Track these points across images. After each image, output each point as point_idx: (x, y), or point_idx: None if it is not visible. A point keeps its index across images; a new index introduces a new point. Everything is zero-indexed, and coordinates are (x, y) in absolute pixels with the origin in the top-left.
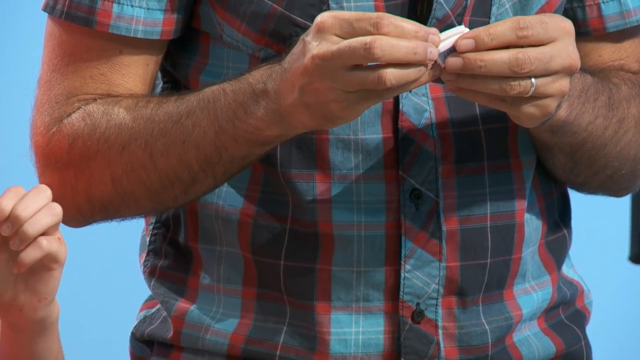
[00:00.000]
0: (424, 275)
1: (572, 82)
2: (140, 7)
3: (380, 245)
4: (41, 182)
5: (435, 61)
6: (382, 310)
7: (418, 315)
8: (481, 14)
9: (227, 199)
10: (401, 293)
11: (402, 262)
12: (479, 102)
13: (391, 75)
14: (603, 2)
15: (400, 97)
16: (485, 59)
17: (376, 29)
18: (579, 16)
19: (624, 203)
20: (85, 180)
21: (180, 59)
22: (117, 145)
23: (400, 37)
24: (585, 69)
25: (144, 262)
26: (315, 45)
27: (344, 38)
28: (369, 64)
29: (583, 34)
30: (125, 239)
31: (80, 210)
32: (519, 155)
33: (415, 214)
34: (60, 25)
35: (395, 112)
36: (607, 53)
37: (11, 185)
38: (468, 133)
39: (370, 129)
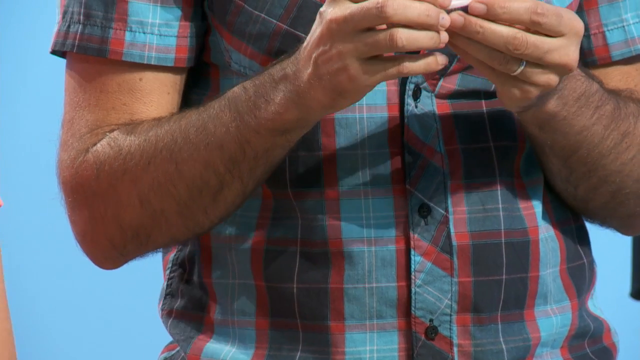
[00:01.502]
0: (435, 290)
1: (573, 83)
2: (152, 34)
3: (391, 260)
4: (71, 220)
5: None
6: (395, 328)
7: (431, 331)
8: None
9: (240, 229)
10: (413, 308)
11: (413, 277)
12: (469, 62)
13: (402, 34)
14: (608, 30)
15: (405, 112)
16: (485, 26)
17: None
18: (585, 45)
19: (626, 238)
20: (113, 206)
21: (192, 95)
22: (142, 161)
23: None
24: (594, 78)
25: (162, 306)
26: (330, 11)
27: (357, 2)
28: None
29: (590, 63)
30: (145, 287)
31: (113, 242)
32: (526, 173)
33: (424, 228)
34: (76, 62)
35: (402, 126)
36: (615, 81)
37: (11, 185)
38: (477, 150)
39: (376, 143)
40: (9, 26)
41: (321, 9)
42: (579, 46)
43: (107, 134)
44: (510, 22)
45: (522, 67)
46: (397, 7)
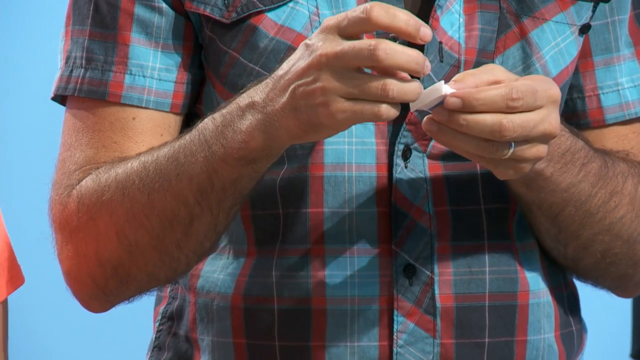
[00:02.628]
0: (417, 351)
1: (557, 139)
2: (152, 78)
3: (374, 319)
4: (59, 259)
5: (424, 111)
6: None
7: None
8: None
9: (222, 286)
10: None
11: (395, 337)
12: (458, 152)
13: (394, 86)
14: (603, 94)
15: (394, 172)
16: (468, 118)
17: (366, 13)
18: (579, 107)
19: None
20: (93, 240)
21: None
22: (118, 192)
23: (391, 22)
24: (579, 135)
25: (149, 358)
26: (320, 45)
27: (344, 36)
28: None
29: (583, 125)
30: (135, 337)
31: (95, 279)
32: (518, 237)
33: (409, 289)
34: (74, 104)
35: (390, 186)
36: (610, 144)
37: (11, 185)
38: (467, 212)
39: (364, 202)
40: (9, 26)
41: (307, 41)
42: (558, 111)
43: (94, 170)
44: (488, 111)
45: (512, 150)
46: (389, 51)
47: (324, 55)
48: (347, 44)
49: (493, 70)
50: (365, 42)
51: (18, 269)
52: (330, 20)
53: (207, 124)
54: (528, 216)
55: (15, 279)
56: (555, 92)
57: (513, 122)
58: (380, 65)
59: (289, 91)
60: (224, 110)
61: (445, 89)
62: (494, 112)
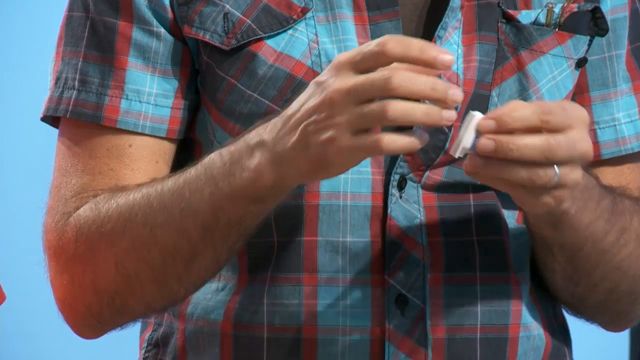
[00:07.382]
0: None
1: None
2: (148, 103)
3: (365, 350)
4: (53, 285)
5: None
6: None
7: None
8: None
9: (212, 313)
10: None
11: None
12: (500, 188)
13: (396, 105)
14: (599, 129)
15: (389, 202)
16: (517, 143)
17: (381, 46)
18: None
19: (623, 333)
20: (91, 269)
21: (174, 170)
22: (119, 224)
23: (406, 52)
24: (590, 172)
25: None
26: (331, 81)
27: (358, 72)
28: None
29: None
30: None
31: (90, 308)
32: (513, 270)
33: (401, 320)
34: (67, 128)
35: (385, 216)
36: (607, 179)
37: (11, 185)
38: (460, 243)
39: (358, 232)
40: (9, 27)
41: (318, 78)
42: (588, 134)
43: (91, 198)
44: (522, 130)
45: (558, 175)
46: (404, 79)
47: (336, 92)
48: (361, 77)
49: (519, 104)
50: (379, 73)
51: None
52: (341, 56)
53: (214, 160)
54: (545, 258)
55: None
56: (584, 114)
57: (559, 141)
58: (396, 94)
59: (299, 130)
60: (231, 147)
61: (477, 115)
62: (532, 134)
